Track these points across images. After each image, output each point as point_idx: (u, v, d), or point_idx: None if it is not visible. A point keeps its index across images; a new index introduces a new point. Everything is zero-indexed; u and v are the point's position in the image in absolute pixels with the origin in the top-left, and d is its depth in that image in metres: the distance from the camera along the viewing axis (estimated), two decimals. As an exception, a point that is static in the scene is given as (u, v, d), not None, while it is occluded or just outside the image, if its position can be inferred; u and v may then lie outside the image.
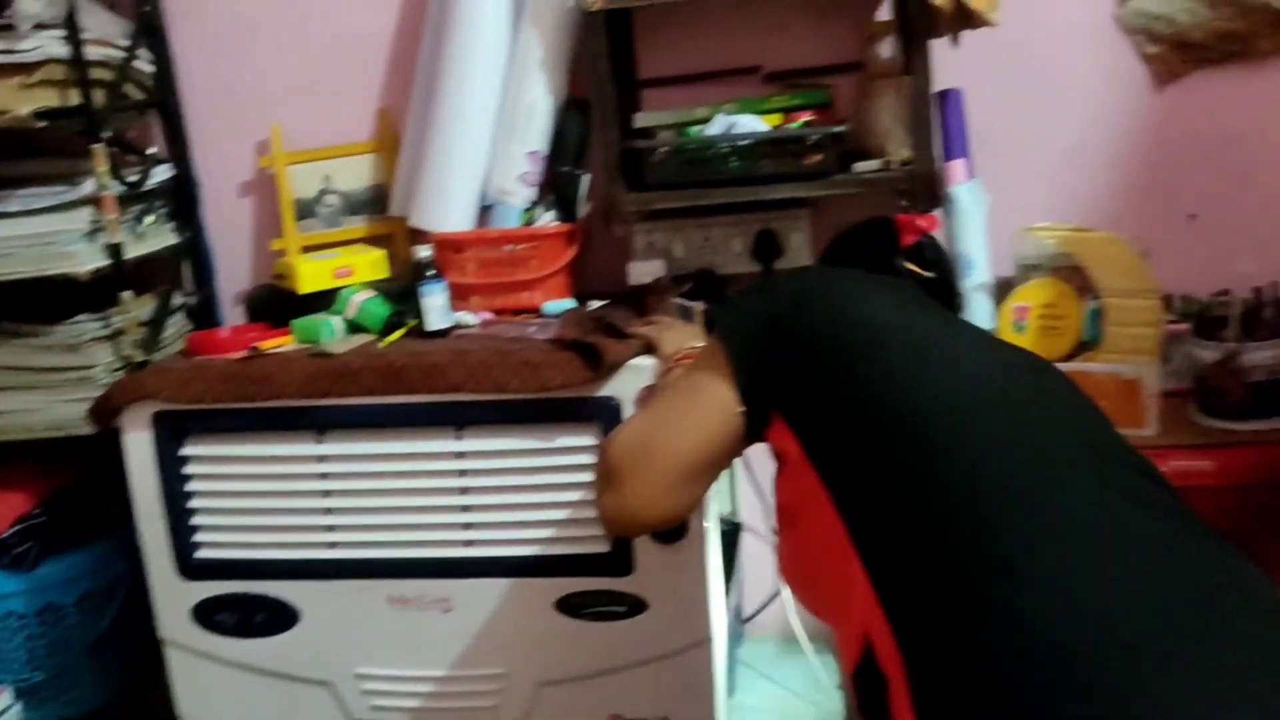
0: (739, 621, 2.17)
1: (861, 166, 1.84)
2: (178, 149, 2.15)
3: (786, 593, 1.96)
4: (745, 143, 1.82)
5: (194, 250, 2.17)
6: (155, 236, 2.06)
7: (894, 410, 1.02)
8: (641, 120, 1.97)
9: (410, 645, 1.75)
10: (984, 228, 1.85)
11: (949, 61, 1.84)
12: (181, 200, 2.15)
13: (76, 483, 2.08)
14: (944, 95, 1.85)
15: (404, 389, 1.66)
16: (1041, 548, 0.92)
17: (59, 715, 2.05)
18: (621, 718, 1.75)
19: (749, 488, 1.97)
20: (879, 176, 1.82)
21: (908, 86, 1.78)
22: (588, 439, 1.63)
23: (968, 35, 1.84)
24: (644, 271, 2.00)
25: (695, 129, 1.90)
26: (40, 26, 1.81)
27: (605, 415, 1.61)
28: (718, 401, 1.13)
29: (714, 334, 1.18)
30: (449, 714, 1.77)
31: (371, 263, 2.01)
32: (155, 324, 2.01)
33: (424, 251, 1.86)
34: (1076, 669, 0.84)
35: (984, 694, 0.87)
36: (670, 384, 1.31)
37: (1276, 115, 1.93)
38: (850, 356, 1.08)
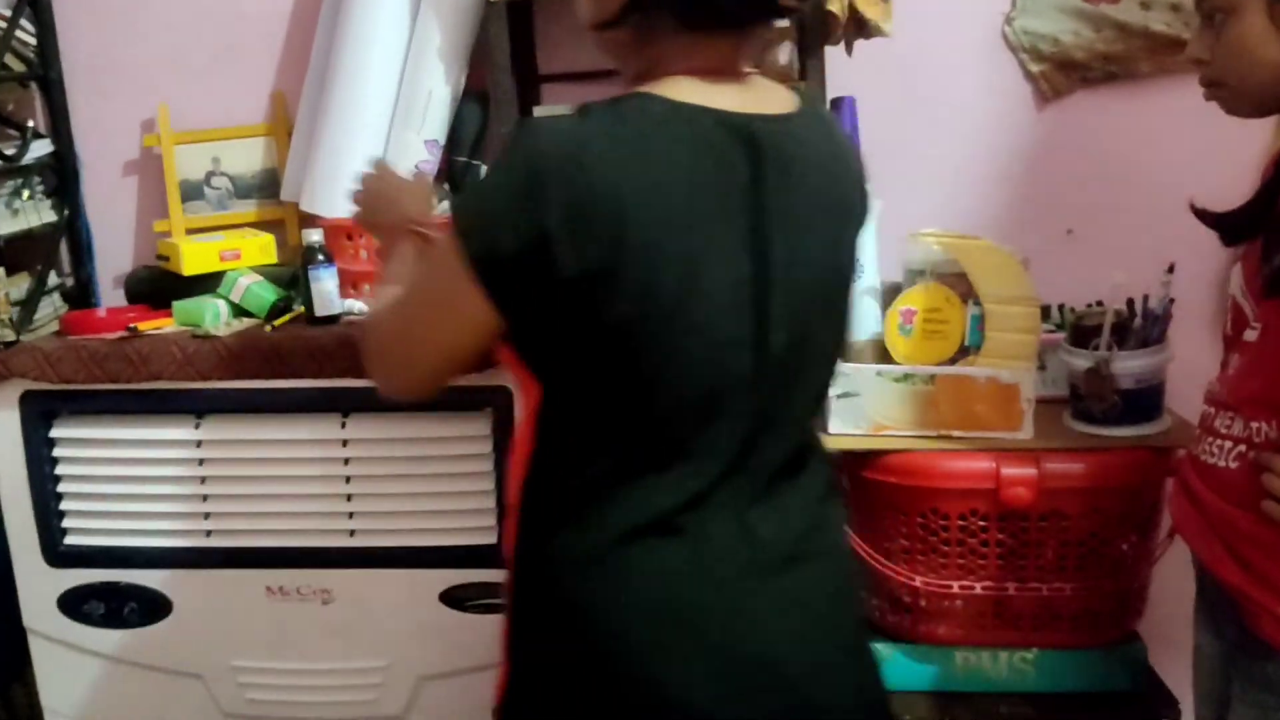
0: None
1: (756, 167, 1.86)
2: (58, 124, 2.08)
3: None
4: (643, 139, 1.83)
5: (71, 229, 2.10)
6: (31, 214, 1.99)
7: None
8: (539, 114, 1.97)
9: (288, 637, 1.71)
10: (873, 233, 1.89)
11: (843, 69, 1.88)
12: (61, 177, 2.08)
13: None
14: (837, 102, 1.89)
15: (288, 373, 1.63)
16: None
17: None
18: (503, 712, 1.73)
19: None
20: (773, 178, 1.84)
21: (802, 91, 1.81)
22: (478, 428, 1.62)
23: (861, 45, 1.88)
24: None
25: (593, 124, 1.90)
26: (-86, -10, 1.74)
27: (496, 403, 1.60)
28: (471, 320, 1.03)
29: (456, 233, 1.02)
30: (326, 708, 1.74)
31: (260, 247, 1.97)
32: (28, 304, 1.94)
33: (314, 236, 1.82)
34: None
35: None
36: (424, 275, 1.15)
37: (1153, 135, 2.01)
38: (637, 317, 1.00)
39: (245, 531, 1.69)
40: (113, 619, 1.72)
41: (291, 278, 1.90)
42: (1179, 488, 1.47)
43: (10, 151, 1.91)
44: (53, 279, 2.05)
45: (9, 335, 1.85)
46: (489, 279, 1.00)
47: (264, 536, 1.69)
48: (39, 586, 1.72)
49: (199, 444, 1.67)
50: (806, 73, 1.80)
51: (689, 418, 1.06)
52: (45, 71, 2.05)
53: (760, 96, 1.09)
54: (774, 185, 1.05)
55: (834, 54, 1.85)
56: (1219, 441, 1.38)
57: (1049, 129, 2.03)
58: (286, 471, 1.66)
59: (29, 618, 1.75)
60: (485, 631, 1.70)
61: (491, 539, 1.66)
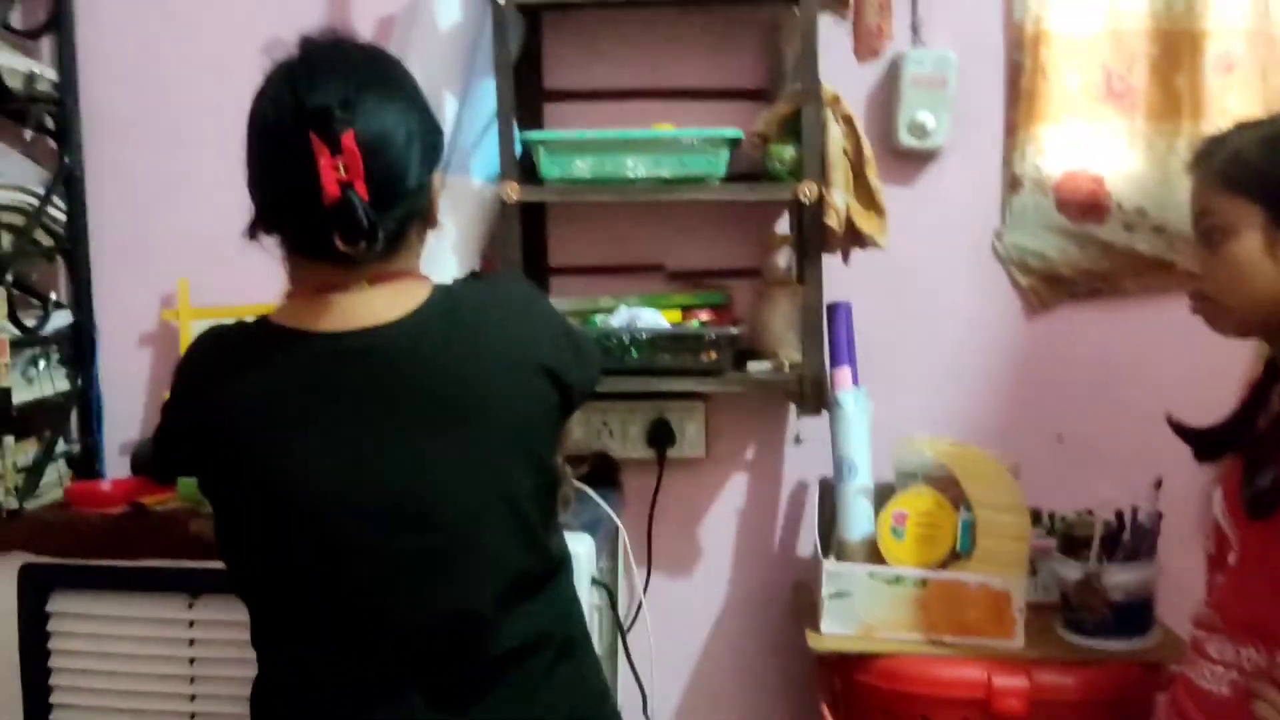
0: None
1: (755, 367, 1.92)
2: (80, 296, 2.14)
3: None
4: (646, 336, 1.90)
5: (83, 398, 2.14)
6: (45, 382, 2.04)
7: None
8: (549, 307, 2.04)
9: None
10: (867, 434, 1.93)
11: (839, 274, 1.96)
12: (77, 347, 2.13)
13: None
14: (834, 307, 1.96)
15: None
16: None
17: None
18: None
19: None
20: (770, 377, 1.90)
21: (800, 296, 1.88)
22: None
23: (857, 252, 1.97)
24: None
25: (599, 318, 1.97)
26: (-43, 170, 1.83)
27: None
28: None
29: None
30: None
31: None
32: (34, 470, 1.96)
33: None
34: None
35: None
36: None
37: (1138, 350, 2.08)
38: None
39: (235, 715, 1.67)
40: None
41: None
42: (1173, 709, 1.47)
43: (31, 323, 1.97)
44: (59, 445, 2.08)
45: (12, 503, 1.87)
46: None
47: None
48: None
49: (191, 624, 1.67)
50: (804, 278, 1.87)
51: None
52: (73, 247, 2.13)
53: (369, 308, 1.18)
54: (349, 397, 1.16)
55: (832, 260, 1.93)
56: (1211, 666, 1.39)
57: (1038, 338, 2.10)
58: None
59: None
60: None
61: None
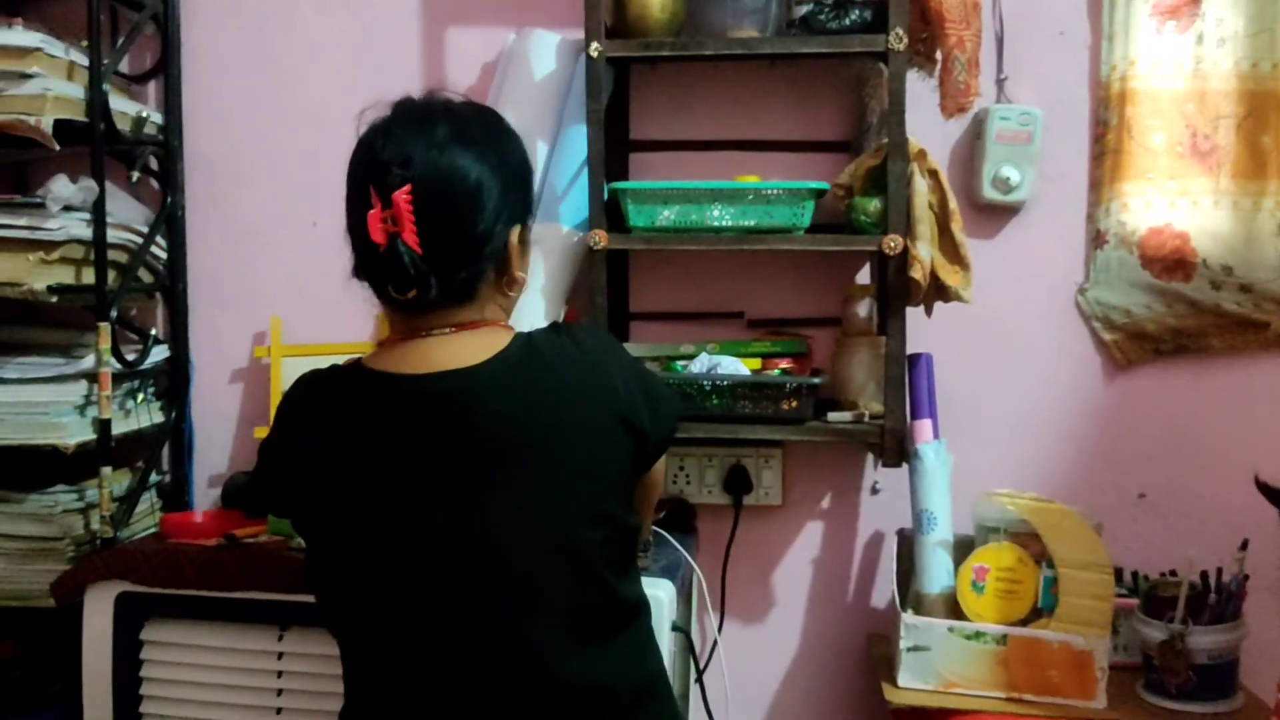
0: None
1: (835, 416, 1.92)
2: (177, 332, 2.21)
3: None
4: (727, 383, 1.92)
5: (176, 431, 2.21)
6: (142, 415, 2.10)
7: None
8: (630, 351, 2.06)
9: None
10: (948, 487, 1.93)
11: (921, 326, 1.97)
12: (173, 381, 2.20)
13: (18, 655, 2.04)
14: (915, 358, 1.97)
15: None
16: None
17: None
18: None
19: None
20: (851, 428, 1.91)
21: (882, 347, 1.89)
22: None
23: (941, 305, 1.98)
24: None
25: (679, 364, 2.00)
26: (69, 209, 1.90)
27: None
28: None
29: None
30: None
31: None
32: (128, 500, 2.02)
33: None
34: None
35: None
36: None
37: (1223, 409, 2.06)
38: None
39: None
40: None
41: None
42: None
43: (131, 357, 2.03)
44: (151, 475, 2.14)
45: (108, 532, 1.93)
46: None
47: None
48: (107, 790, 1.74)
49: (280, 655, 1.70)
50: (887, 329, 1.88)
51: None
52: (173, 284, 2.20)
53: (449, 353, 1.23)
54: (427, 437, 1.21)
55: (913, 312, 1.94)
56: None
57: (1121, 395, 2.08)
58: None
59: (93, 820, 1.75)
60: None
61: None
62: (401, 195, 1.17)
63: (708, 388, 1.92)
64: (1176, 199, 2.03)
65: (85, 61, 1.94)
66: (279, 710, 1.71)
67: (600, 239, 1.88)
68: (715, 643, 2.07)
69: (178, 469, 2.22)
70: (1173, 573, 1.92)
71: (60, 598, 1.78)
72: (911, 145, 1.85)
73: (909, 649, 1.84)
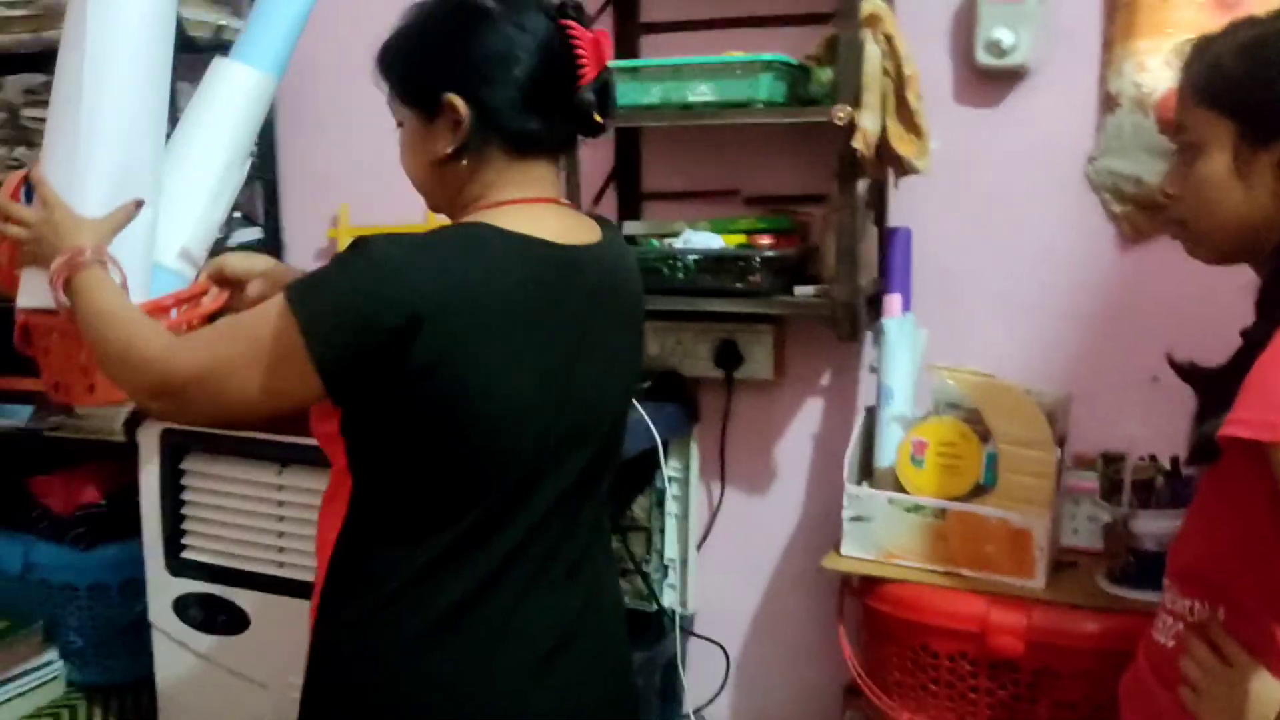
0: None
1: (800, 290, 1.94)
2: (270, 216, 2.53)
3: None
4: (693, 259, 1.97)
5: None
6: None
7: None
8: (628, 228, 2.16)
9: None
10: (913, 363, 1.90)
11: (919, 200, 1.93)
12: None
13: (109, 492, 2.40)
14: (893, 231, 1.94)
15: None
16: None
17: (95, 680, 2.41)
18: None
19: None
20: (811, 300, 1.92)
21: (837, 221, 1.88)
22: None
23: (938, 176, 1.93)
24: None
25: (654, 241, 2.07)
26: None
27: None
28: (297, 400, 1.17)
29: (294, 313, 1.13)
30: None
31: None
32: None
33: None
34: None
35: None
36: (250, 330, 1.18)
37: (1242, 284, 1.86)
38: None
39: (310, 567, 1.96)
40: (208, 624, 2.05)
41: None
42: (1134, 660, 1.40)
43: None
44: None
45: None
46: (331, 376, 1.14)
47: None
48: (161, 590, 2.10)
49: (280, 488, 1.98)
50: (841, 202, 1.86)
51: (494, 503, 1.20)
52: (267, 174, 2.51)
53: (573, 226, 1.26)
54: (588, 304, 1.22)
55: (912, 185, 1.90)
56: (1164, 618, 1.33)
57: (1132, 271, 1.95)
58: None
59: (152, 614, 2.13)
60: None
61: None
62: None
63: (677, 264, 1.99)
64: (1206, 55, 1.84)
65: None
66: (281, 534, 1.99)
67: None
68: (715, 513, 2.17)
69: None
70: (1153, 458, 1.81)
71: (127, 433, 2.13)
72: (864, 10, 1.81)
73: (851, 519, 1.86)
